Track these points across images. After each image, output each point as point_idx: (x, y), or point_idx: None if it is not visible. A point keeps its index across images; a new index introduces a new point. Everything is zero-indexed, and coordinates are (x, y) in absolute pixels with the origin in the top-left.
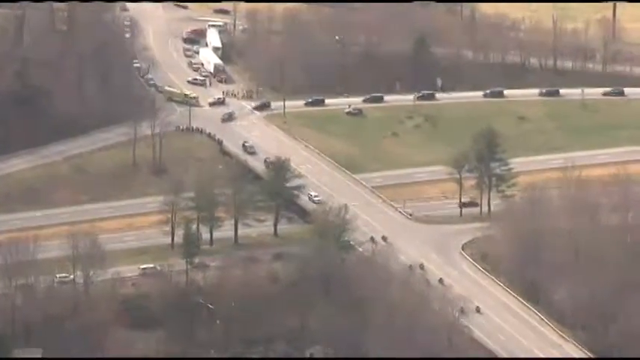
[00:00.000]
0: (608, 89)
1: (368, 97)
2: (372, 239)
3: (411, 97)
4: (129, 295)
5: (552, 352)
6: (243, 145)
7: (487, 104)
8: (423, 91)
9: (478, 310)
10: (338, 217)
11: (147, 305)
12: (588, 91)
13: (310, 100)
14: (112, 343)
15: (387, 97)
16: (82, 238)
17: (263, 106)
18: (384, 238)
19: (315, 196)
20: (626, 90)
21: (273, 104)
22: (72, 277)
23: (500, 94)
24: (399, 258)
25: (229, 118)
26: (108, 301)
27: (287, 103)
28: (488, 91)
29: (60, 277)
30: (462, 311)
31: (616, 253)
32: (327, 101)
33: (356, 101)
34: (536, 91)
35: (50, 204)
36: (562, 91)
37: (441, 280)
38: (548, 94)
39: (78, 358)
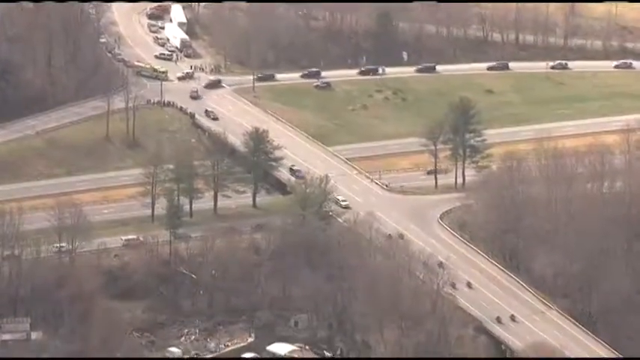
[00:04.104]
0: (492, 63)
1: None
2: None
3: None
4: (113, 266)
5: (535, 318)
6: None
7: (454, 78)
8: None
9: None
10: (318, 188)
11: (131, 275)
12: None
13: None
14: (99, 313)
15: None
16: (66, 209)
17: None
18: (401, 236)
19: (343, 201)
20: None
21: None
22: (70, 246)
23: (376, 73)
24: (379, 228)
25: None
26: (93, 271)
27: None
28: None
29: (58, 247)
30: (454, 286)
31: (594, 221)
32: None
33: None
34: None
35: (26, 177)
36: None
37: (422, 249)
38: (426, 69)
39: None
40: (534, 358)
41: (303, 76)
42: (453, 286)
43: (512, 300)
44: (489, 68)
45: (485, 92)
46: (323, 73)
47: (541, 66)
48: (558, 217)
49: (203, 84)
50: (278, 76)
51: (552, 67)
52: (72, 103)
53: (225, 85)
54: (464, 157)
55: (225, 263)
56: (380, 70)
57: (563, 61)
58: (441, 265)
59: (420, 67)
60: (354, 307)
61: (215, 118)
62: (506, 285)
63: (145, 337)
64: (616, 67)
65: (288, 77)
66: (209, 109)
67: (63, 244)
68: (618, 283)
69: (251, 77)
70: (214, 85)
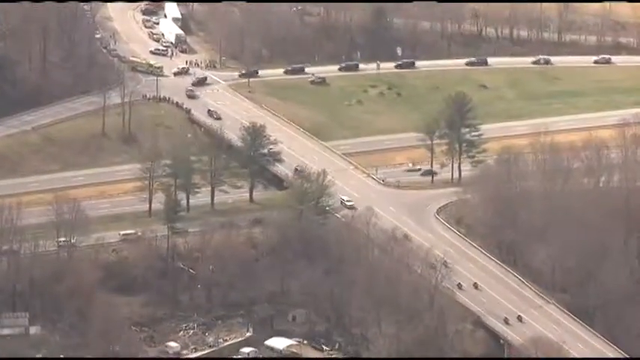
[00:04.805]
0: (472, 59)
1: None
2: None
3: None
4: (111, 261)
5: (534, 313)
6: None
7: (448, 73)
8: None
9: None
10: (316, 183)
11: (130, 270)
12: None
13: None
14: (97, 308)
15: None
16: (64, 204)
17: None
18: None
19: (348, 201)
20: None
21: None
22: (68, 241)
23: (356, 67)
24: (376, 223)
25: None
26: (92, 266)
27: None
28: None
29: (57, 242)
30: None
31: (591, 216)
32: None
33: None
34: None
35: (22, 173)
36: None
37: (419, 244)
38: (406, 65)
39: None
40: (533, 357)
41: (286, 72)
42: (452, 280)
43: (510, 294)
44: (468, 64)
45: (479, 87)
46: (309, 69)
47: (526, 61)
48: (555, 211)
49: (191, 81)
50: (261, 72)
51: (534, 63)
52: (67, 98)
53: (220, 80)
54: (460, 151)
55: (223, 258)
56: (374, 66)
57: (546, 56)
58: (445, 263)
59: (399, 62)
60: (352, 301)
61: (218, 118)
62: (503, 279)
63: (143, 331)
64: (595, 62)
65: (272, 73)
66: (212, 109)
67: (61, 239)
68: (615, 277)
69: (243, 73)
70: (201, 82)
